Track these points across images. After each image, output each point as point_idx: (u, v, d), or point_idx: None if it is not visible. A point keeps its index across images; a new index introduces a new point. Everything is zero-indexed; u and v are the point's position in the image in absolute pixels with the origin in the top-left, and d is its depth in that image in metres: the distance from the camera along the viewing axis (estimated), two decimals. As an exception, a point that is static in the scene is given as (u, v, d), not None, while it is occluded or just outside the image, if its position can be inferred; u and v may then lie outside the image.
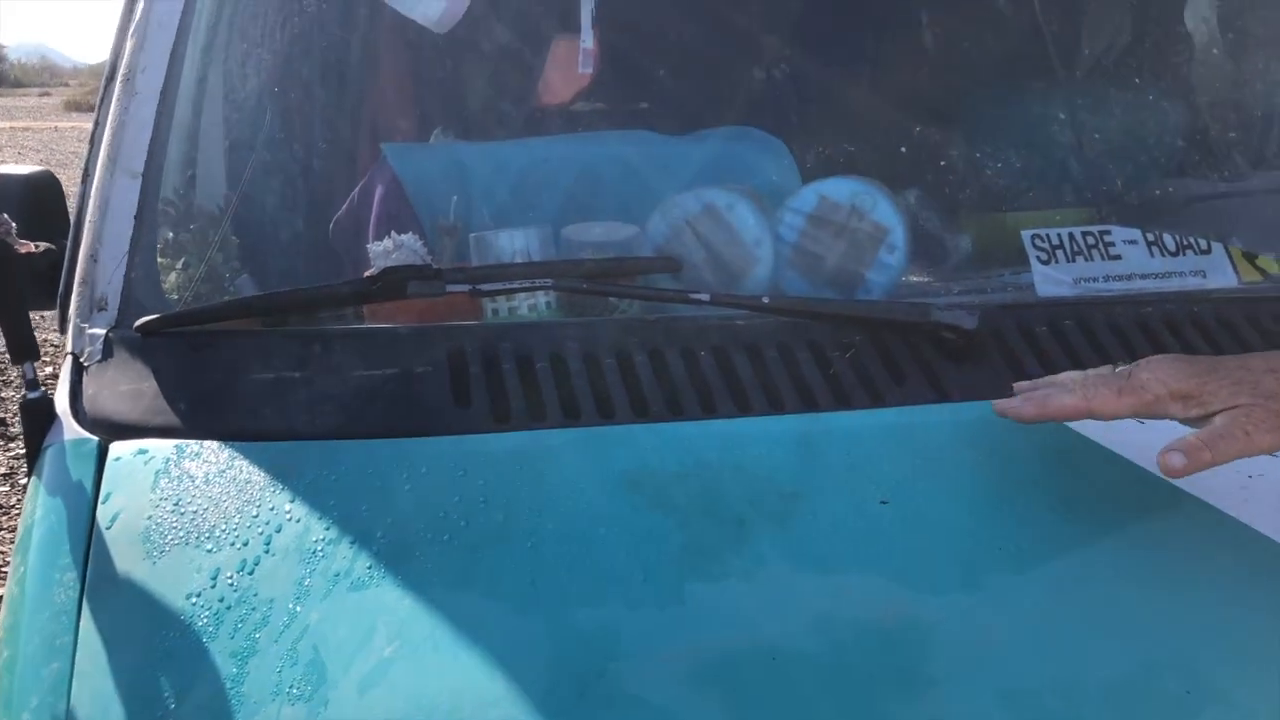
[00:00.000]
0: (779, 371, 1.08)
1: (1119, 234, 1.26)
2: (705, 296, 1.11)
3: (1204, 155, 1.58)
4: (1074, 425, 1.01)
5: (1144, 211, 1.41)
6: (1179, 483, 0.95)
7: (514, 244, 1.21)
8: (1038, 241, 1.24)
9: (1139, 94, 1.63)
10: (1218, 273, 1.26)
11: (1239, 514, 0.94)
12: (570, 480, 0.96)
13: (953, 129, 1.44)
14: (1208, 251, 1.27)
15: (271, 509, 0.92)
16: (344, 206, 1.45)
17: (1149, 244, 1.26)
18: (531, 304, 1.19)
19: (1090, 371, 0.95)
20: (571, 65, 1.60)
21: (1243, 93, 2.05)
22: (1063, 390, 0.93)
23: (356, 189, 1.44)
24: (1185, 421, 0.92)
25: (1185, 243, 1.26)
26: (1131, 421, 0.97)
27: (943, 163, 1.40)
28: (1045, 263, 1.23)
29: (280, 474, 0.96)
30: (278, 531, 0.90)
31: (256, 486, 0.95)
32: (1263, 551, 0.91)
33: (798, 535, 0.91)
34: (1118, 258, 1.24)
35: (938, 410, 1.04)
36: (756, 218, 1.24)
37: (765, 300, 1.13)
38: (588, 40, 1.54)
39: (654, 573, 0.87)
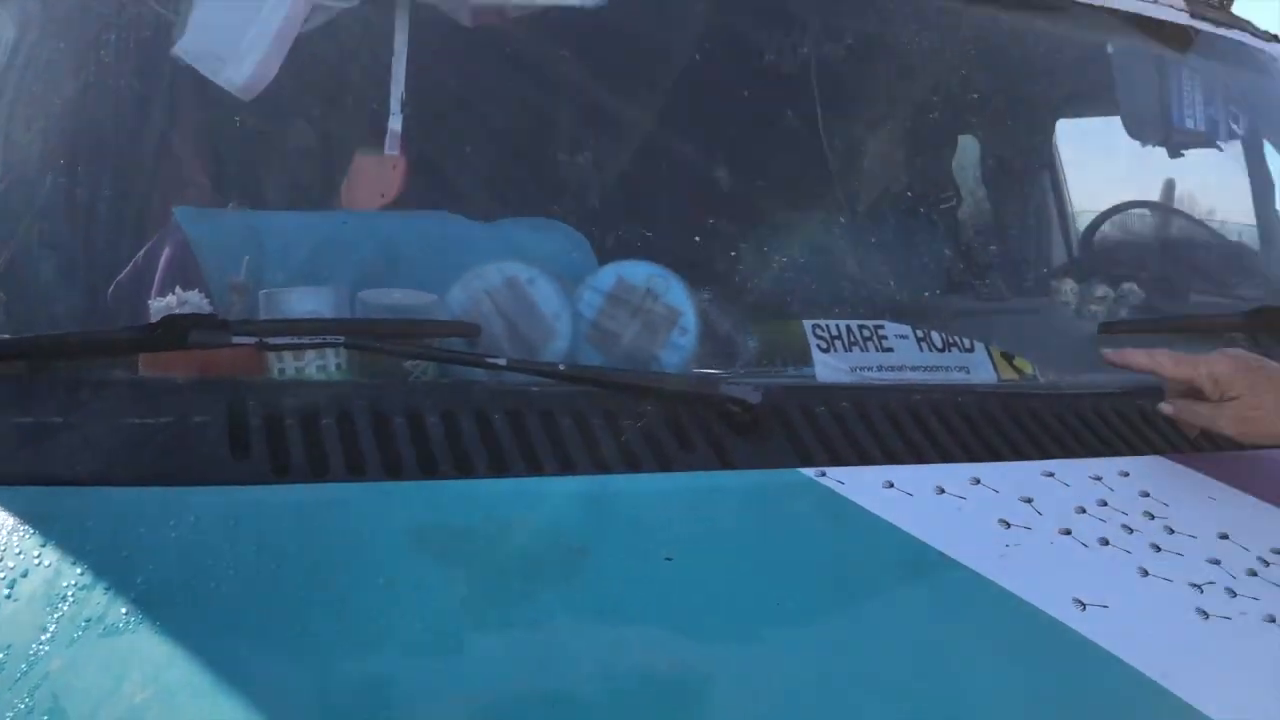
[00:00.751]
0: (572, 435, 1.09)
1: (891, 329, 1.34)
2: (502, 361, 1.12)
3: (969, 278, 1.72)
4: (848, 494, 1.06)
5: (918, 320, 1.50)
6: (942, 547, 1.01)
7: (306, 303, 1.18)
8: (818, 331, 1.31)
9: (914, 224, 1.77)
10: (979, 369, 1.36)
11: (997, 578, 1.00)
12: (351, 534, 0.93)
13: (751, 231, 1.52)
14: (971, 350, 1.37)
15: (19, 554, 0.85)
16: (127, 268, 1.39)
17: (918, 339, 1.35)
18: (321, 364, 1.15)
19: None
20: (376, 184, 1.61)
21: (1002, 230, 2.27)
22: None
23: (142, 251, 1.39)
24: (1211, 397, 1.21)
25: (951, 341, 1.36)
26: (899, 491, 1.04)
27: (739, 262, 1.46)
28: (825, 350, 1.30)
29: (32, 519, 0.89)
30: (23, 576, 0.83)
31: (3, 531, 0.87)
32: (1015, 611, 0.97)
33: (583, 589, 0.91)
34: (890, 350, 1.33)
35: (723, 477, 1.07)
36: (557, 292, 1.27)
37: (561, 368, 1.15)
38: (396, 122, 1.56)
39: (433, 623, 0.85)
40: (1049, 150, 2.75)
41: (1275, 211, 2.32)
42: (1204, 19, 2.06)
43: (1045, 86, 2.13)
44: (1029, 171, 2.61)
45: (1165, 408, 1.24)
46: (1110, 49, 1.95)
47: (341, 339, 1.10)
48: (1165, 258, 2.20)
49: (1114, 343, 1.47)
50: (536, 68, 1.62)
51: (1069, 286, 1.74)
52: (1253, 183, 2.34)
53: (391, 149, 1.56)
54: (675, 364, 1.28)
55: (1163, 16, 1.98)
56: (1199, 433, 1.27)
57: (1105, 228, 2.44)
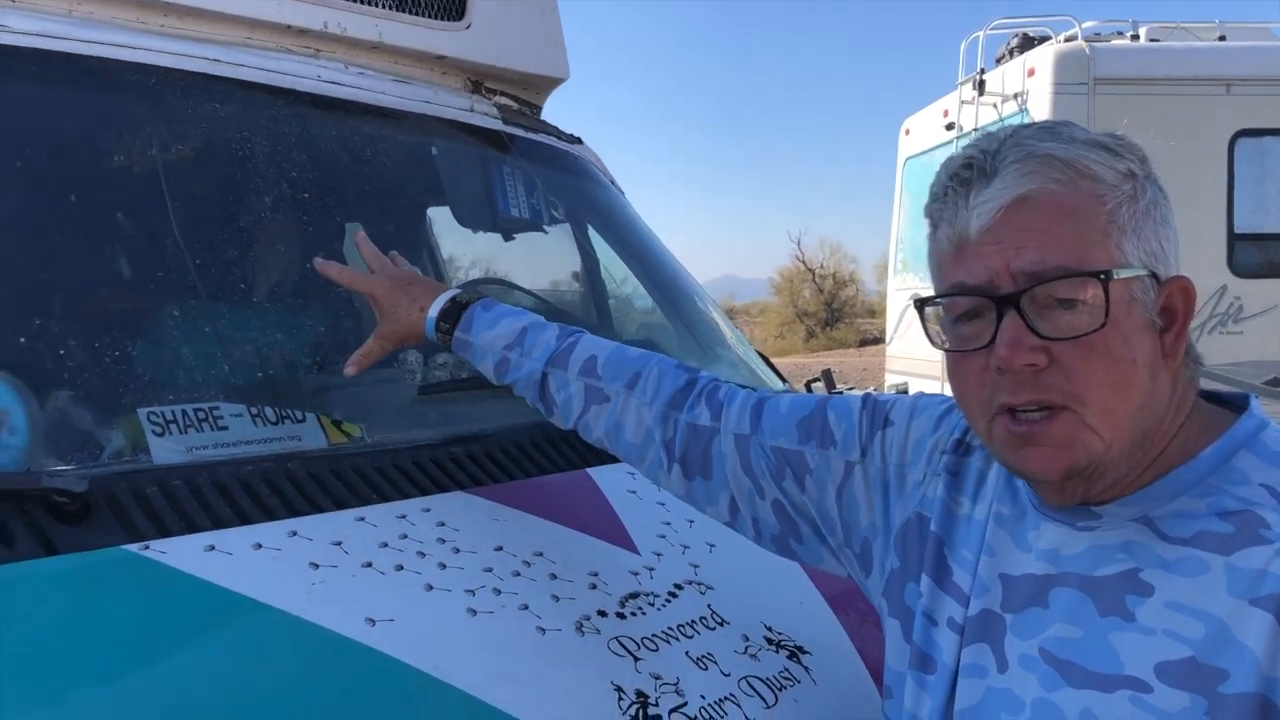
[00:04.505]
0: (-126, 548, 1.10)
1: (226, 408, 1.49)
2: None
3: (330, 354, 1.91)
4: (169, 561, 1.19)
5: (277, 398, 1.66)
6: (253, 594, 1.17)
7: None
8: (153, 417, 1.42)
9: (278, 308, 1.94)
10: (311, 437, 1.55)
11: (300, 612, 1.18)
12: None
13: (96, 328, 1.58)
14: (303, 420, 1.56)
15: None
16: None
17: (253, 416, 1.51)
18: None
19: None
20: None
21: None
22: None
23: None
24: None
25: (284, 414, 1.54)
26: (220, 552, 1.18)
27: (83, 359, 1.52)
28: (160, 435, 1.41)
29: None
30: None
31: None
32: (312, 636, 1.16)
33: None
34: (226, 428, 1.47)
35: (50, 562, 1.14)
36: None
37: None
38: None
39: None
40: (424, 233, 3.08)
41: (600, 278, 2.82)
42: (516, 124, 2.48)
43: (409, 180, 2.41)
44: (407, 251, 2.91)
45: (348, 369, 1.58)
46: (435, 151, 2.27)
47: None
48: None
49: (430, 401, 1.75)
50: None
51: (414, 357, 2.00)
52: (581, 256, 2.81)
53: None
54: (7, 464, 1.32)
55: (481, 124, 2.35)
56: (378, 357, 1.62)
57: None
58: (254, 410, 1.52)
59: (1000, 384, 0.98)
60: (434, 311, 1.54)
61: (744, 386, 1.44)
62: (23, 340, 1.42)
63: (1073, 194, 0.97)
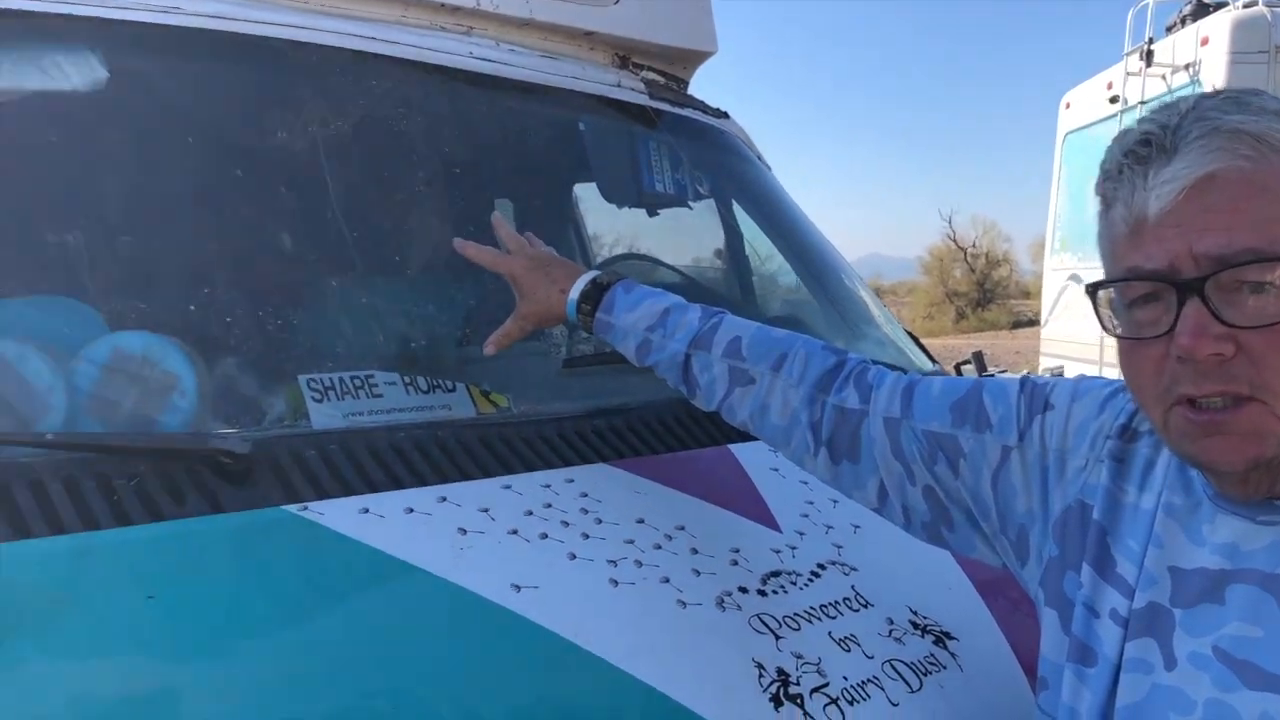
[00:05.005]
0: (62, 500, 1.17)
1: (381, 377, 1.54)
2: (-14, 435, 1.18)
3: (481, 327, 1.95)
4: (325, 522, 1.24)
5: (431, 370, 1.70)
6: (404, 555, 1.21)
7: None
8: (312, 383, 1.47)
9: (432, 280, 1.99)
10: (460, 406, 1.58)
11: (447, 575, 1.21)
12: None
13: (258, 298, 1.65)
14: (453, 390, 1.59)
15: None
16: None
17: (406, 384, 1.55)
18: None
19: None
20: None
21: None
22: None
23: None
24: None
25: (435, 384, 1.58)
26: (373, 515, 1.22)
27: (246, 327, 1.59)
28: (319, 401, 1.47)
29: None
30: None
31: None
32: (459, 599, 1.18)
33: (59, 633, 1.00)
34: (380, 395, 1.52)
35: (211, 520, 1.20)
36: (49, 367, 1.34)
37: (49, 436, 1.23)
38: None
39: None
40: (571, 209, 3.11)
41: (745, 254, 2.80)
42: (663, 99, 2.47)
43: (557, 156, 2.44)
44: (554, 227, 2.95)
45: (487, 349, 1.59)
46: (582, 126, 2.28)
47: None
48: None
49: (574, 374, 1.76)
50: (37, 147, 1.67)
51: (559, 331, 2.02)
52: (726, 233, 2.80)
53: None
54: (178, 425, 1.39)
55: (627, 99, 2.36)
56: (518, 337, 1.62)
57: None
58: (407, 379, 1.56)
59: (1181, 373, 0.93)
60: (574, 293, 1.53)
61: (894, 368, 1.40)
62: (192, 309, 1.49)
63: (1262, 170, 0.90)
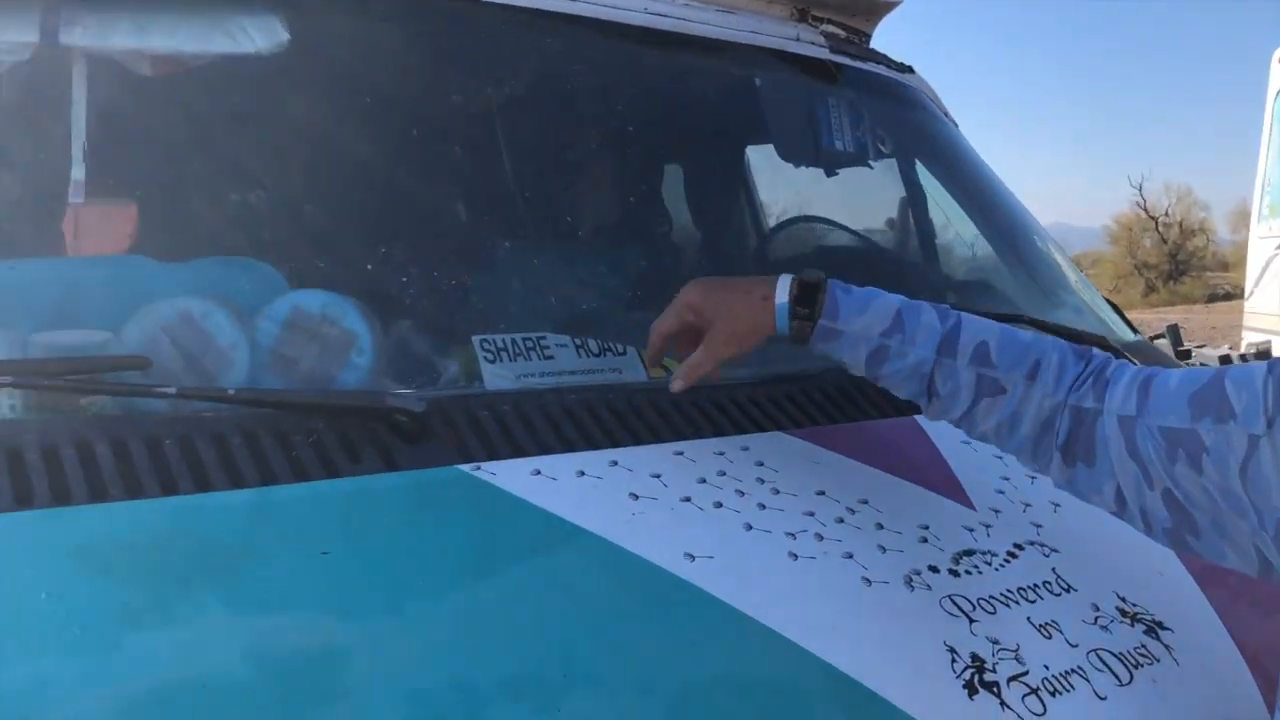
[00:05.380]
0: (243, 454, 1.18)
1: (553, 339, 1.51)
2: (171, 390, 1.20)
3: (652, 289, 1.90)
4: (497, 483, 1.21)
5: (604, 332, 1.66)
6: (575, 519, 1.17)
7: (-28, 348, 1.23)
8: (485, 345, 1.45)
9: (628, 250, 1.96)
10: (631, 370, 1.54)
11: (619, 540, 1.16)
12: (15, 560, 0.99)
13: (439, 258, 1.64)
14: (623, 354, 1.55)
15: None
16: None
17: (577, 347, 1.52)
18: (-6, 406, 1.20)
19: None
20: (107, 234, 1.64)
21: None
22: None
23: None
24: (696, 327, 1.36)
25: (606, 347, 1.54)
26: (545, 477, 1.19)
27: (424, 286, 1.58)
28: (492, 362, 1.45)
29: None
30: None
31: None
32: (631, 566, 1.14)
33: (238, 585, 1.01)
34: (551, 358, 1.49)
35: (385, 478, 1.19)
36: (232, 324, 1.35)
37: (231, 391, 1.24)
38: (79, 171, 1.60)
39: (89, 628, 0.93)
40: (744, 172, 3.03)
41: (930, 218, 2.66)
42: (844, 53, 2.36)
43: (732, 112, 2.36)
44: (727, 186, 2.88)
45: (675, 385, 1.38)
46: (758, 82, 2.20)
47: (9, 379, 1.15)
48: (824, 263, 2.48)
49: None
50: (221, 110, 1.71)
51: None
52: (909, 193, 2.67)
53: (75, 198, 1.60)
54: (356, 383, 1.39)
55: (806, 53, 2.26)
56: (715, 371, 1.40)
57: (779, 240, 2.73)
58: (578, 342, 1.52)
59: None
60: (782, 296, 1.31)
61: (1121, 356, 1.28)
62: (370, 268, 1.49)
63: None
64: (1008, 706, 1.12)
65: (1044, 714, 1.13)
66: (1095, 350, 1.30)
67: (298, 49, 1.63)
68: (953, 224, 2.59)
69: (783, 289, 1.32)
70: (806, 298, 1.31)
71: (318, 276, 1.49)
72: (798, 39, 2.25)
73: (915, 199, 2.65)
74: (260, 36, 1.64)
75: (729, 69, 2.17)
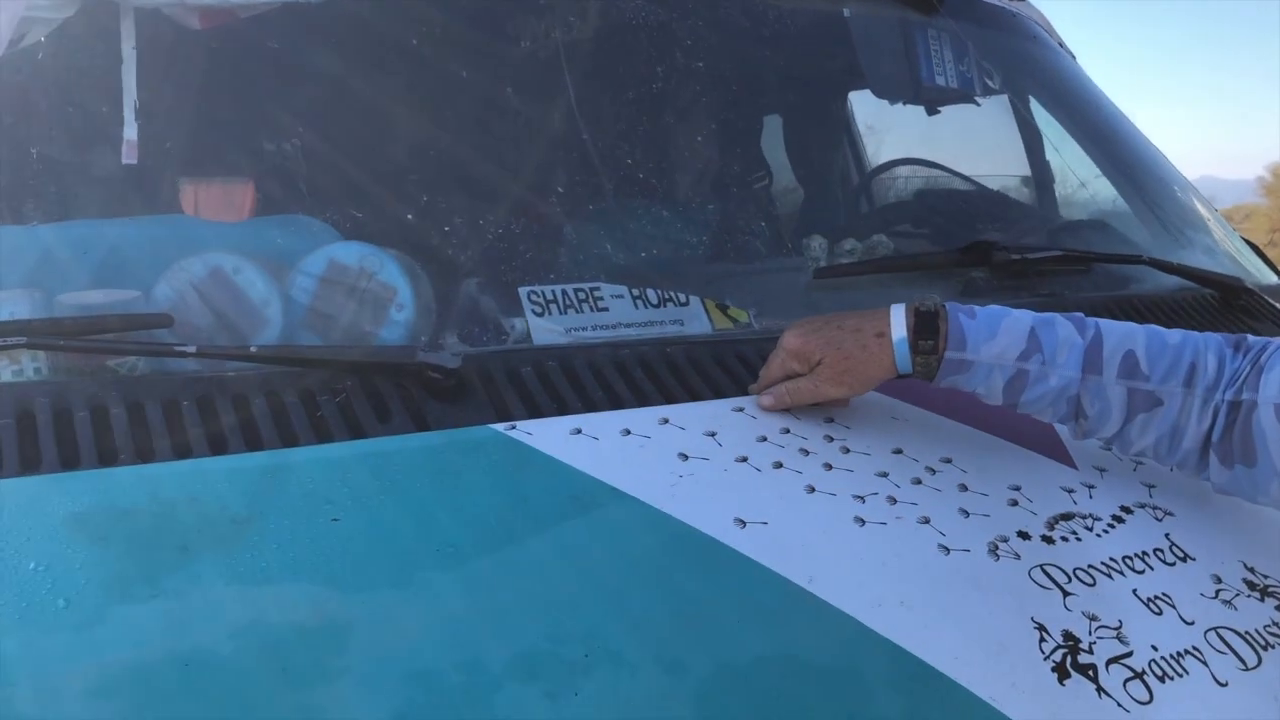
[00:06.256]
0: (263, 415, 1.11)
1: (607, 289, 1.40)
2: (191, 349, 1.14)
3: (727, 239, 1.78)
4: (533, 443, 1.11)
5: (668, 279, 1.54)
6: (615, 482, 1.07)
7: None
8: (533, 296, 1.35)
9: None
10: (694, 321, 1.42)
11: (663, 505, 1.05)
12: (14, 527, 0.94)
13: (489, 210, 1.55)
14: (686, 304, 1.43)
15: None
16: None
17: (634, 297, 1.40)
18: (17, 369, 1.16)
19: None
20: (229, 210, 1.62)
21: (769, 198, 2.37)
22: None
23: None
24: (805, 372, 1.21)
25: (666, 297, 1.42)
26: (586, 436, 1.09)
27: (466, 238, 1.49)
28: (540, 315, 1.35)
29: None
30: None
31: None
32: (674, 534, 1.02)
33: (238, 556, 0.93)
34: (605, 309, 1.38)
35: (411, 439, 1.11)
36: (264, 280, 1.29)
37: (253, 349, 1.17)
38: (131, 131, 1.56)
39: (77, 600, 0.87)
40: (843, 112, 2.84)
41: (1045, 158, 2.45)
42: (946, -21, 2.17)
43: (820, 52, 2.20)
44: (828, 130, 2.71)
45: (764, 400, 1.23)
46: (847, 14, 2.03)
47: (23, 340, 1.11)
48: (927, 208, 2.30)
49: (828, 286, 1.55)
50: (271, 63, 1.64)
51: (817, 243, 1.81)
52: (1022, 132, 2.46)
53: (129, 158, 1.56)
54: (395, 339, 1.31)
55: (903, -21, 2.08)
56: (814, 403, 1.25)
57: (878, 186, 2.55)
58: (635, 292, 1.41)
59: None
60: (900, 330, 1.18)
61: None
62: (410, 218, 1.41)
63: None
64: (1105, 693, 0.96)
65: (1150, 702, 0.97)
66: (1250, 337, 1.16)
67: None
68: (1069, 162, 2.38)
69: (898, 322, 1.18)
70: (926, 328, 1.17)
71: (355, 227, 1.41)
72: (892, -35, 2.07)
73: (1030, 137, 2.45)
74: (306, -17, 1.57)
75: (817, 4, 2.02)
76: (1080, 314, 1.20)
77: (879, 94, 2.23)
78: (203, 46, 1.61)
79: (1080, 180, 2.43)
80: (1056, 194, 2.38)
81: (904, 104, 2.23)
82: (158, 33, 1.56)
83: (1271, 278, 2.14)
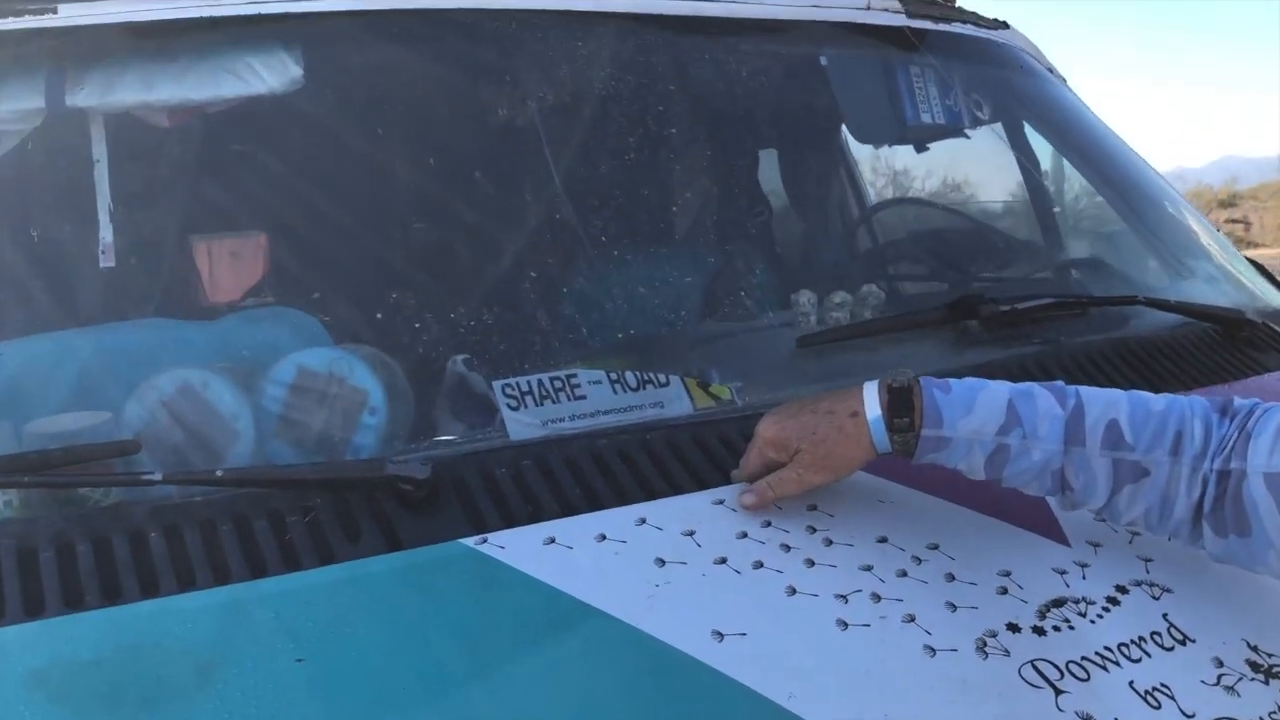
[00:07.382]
0: (230, 543, 1.10)
1: (584, 376, 1.37)
2: (157, 476, 1.12)
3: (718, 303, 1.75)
4: (504, 558, 1.09)
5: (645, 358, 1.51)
6: (589, 598, 1.04)
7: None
8: (508, 390, 1.33)
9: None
10: (675, 403, 1.39)
11: (638, 622, 1.02)
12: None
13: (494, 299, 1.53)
14: (666, 384, 1.40)
15: None
16: None
17: (612, 382, 1.38)
18: (-15, 505, 1.15)
19: None
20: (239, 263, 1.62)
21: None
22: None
23: None
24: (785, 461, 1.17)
25: (645, 379, 1.39)
26: (560, 546, 1.07)
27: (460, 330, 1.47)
28: (515, 409, 1.32)
29: None
30: None
31: None
32: (650, 653, 1.00)
33: (203, 706, 0.91)
34: (583, 397, 1.35)
35: (378, 562, 1.09)
36: (233, 393, 1.27)
37: (219, 473, 1.16)
38: (107, 233, 1.55)
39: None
40: (837, 156, 2.81)
41: (1040, 187, 2.41)
42: (923, 17, 2.14)
43: (798, 101, 2.17)
44: (824, 173, 2.68)
45: (746, 499, 1.19)
46: (824, 61, 2.00)
47: (-18, 479, 1.09)
48: (921, 249, 2.27)
49: (812, 354, 1.52)
50: (242, 155, 1.64)
51: (806, 298, 1.78)
52: (1017, 161, 2.42)
53: (107, 261, 1.56)
54: (368, 445, 1.29)
55: (880, 22, 2.05)
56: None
57: (869, 229, 2.52)
58: (614, 375, 1.38)
59: None
60: (875, 409, 1.14)
61: None
62: (379, 316, 1.39)
63: None
64: (1102, 805, 0.93)
65: (1149, 810, 0.94)
66: (1236, 400, 1.13)
67: (311, 84, 1.53)
68: (1069, 191, 2.34)
69: (871, 401, 1.15)
70: (901, 405, 1.14)
71: (329, 326, 1.40)
72: (868, 8, 2.04)
73: (1026, 166, 2.41)
74: (270, 75, 1.56)
75: (792, 50, 1.99)
76: (1060, 383, 1.17)
77: (861, 139, 2.21)
78: (175, 144, 1.61)
79: (1077, 209, 2.40)
80: (1053, 223, 2.34)
81: (889, 146, 2.21)
82: (126, 135, 1.56)
83: (1278, 300, 2.09)
